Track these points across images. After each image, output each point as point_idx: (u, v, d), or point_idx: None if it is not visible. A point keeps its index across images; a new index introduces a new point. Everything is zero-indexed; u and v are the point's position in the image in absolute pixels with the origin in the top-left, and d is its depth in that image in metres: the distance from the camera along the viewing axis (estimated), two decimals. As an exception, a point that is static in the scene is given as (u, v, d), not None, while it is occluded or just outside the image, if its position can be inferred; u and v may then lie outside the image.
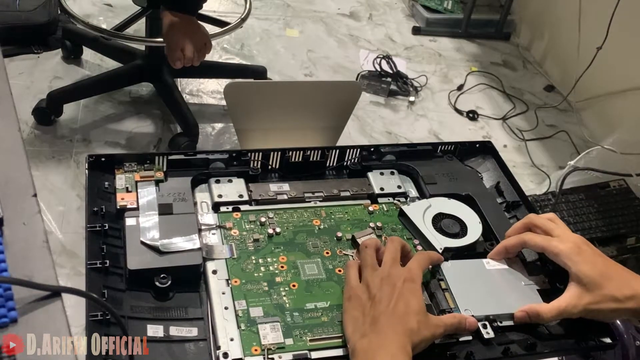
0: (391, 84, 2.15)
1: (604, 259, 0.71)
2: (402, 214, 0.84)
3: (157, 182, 0.80)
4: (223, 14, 2.15)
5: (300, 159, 0.88)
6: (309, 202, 0.84)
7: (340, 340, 0.68)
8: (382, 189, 0.87)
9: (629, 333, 1.15)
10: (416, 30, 2.51)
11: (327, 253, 0.78)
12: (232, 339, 0.66)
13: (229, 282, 0.72)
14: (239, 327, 0.67)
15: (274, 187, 0.84)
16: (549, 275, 0.78)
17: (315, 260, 0.77)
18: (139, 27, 1.83)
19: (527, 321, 0.71)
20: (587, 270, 0.69)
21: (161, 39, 1.57)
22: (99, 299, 0.61)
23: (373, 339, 0.63)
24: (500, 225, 0.84)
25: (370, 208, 0.85)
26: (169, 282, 0.69)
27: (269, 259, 0.76)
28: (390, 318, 0.64)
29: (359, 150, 0.91)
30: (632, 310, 0.68)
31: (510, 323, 0.73)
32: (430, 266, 0.75)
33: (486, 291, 0.75)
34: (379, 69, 2.16)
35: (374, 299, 0.66)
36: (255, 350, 0.65)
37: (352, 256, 0.78)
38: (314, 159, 0.88)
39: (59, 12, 2.03)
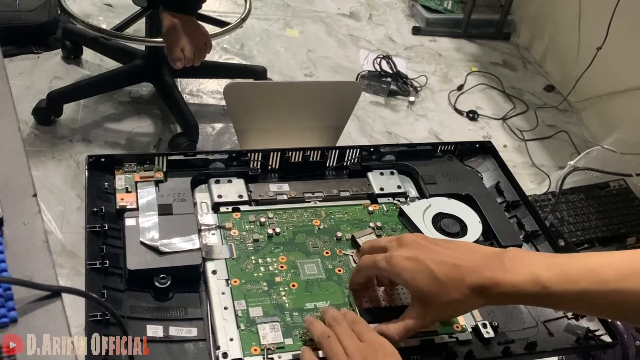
0: (391, 84, 2.15)
1: (437, 260, 0.64)
2: (402, 214, 0.84)
3: (157, 183, 0.80)
4: (223, 14, 2.14)
5: (300, 159, 0.88)
6: (309, 202, 0.84)
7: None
8: (382, 189, 0.87)
9: (628, 333, 1.15)
10: (416, 30, 2.51)
11: (327, 253, 0.78)
12: (231, 339, 0.66)
13: (229, 282, 0.72)
14: (238, 327, 0.67)
15: (273, 187, 0.84)
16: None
17: (315, 260, 0.77)
18: (139, 27, 1.82)
19: None
20: (422, 286, 0.63)
21: (161, 39, 1.57)
22: (98, 299, 0.61)
23: None
24: (500, 225, 0.84)
25: (370, 208, 0.85)
26: (169, 283, 0.69)
27: (268, 259, 0.76)
28: None
29: (358, 150, 0.91)
30: (481, 304, 0.64)
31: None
32: None
33: None
34: (379, 69, 2.16)
35: None
36: (255, 350, 0.65)
37: (352, 256, 0.78)
38: (314, 159, 0.88)
39: (59, 12, 2.02)
